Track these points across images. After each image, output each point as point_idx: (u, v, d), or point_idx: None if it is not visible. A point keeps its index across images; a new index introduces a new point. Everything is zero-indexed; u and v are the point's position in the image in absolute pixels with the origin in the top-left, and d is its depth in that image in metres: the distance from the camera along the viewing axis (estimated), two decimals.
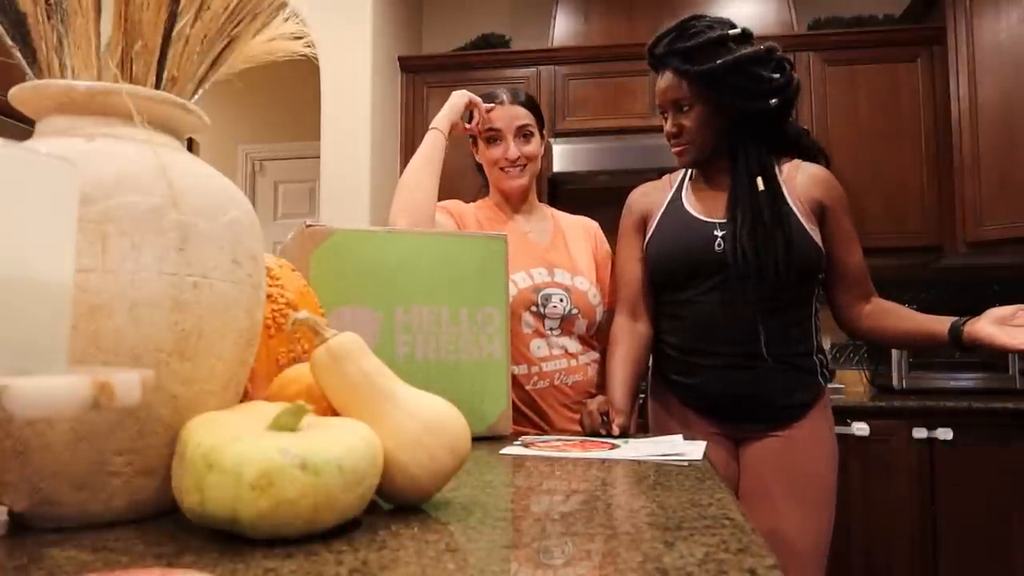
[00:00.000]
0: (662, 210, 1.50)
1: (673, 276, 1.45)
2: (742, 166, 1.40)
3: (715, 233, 1.41)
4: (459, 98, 1.50)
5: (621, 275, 1.53)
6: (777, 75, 1.37)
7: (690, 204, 1.47)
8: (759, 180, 1.38)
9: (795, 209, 1.40)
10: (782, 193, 1.40)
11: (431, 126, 1.49)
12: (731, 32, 1.37)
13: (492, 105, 1.52)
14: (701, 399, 1.44)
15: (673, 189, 1.53)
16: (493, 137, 1.53)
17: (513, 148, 1.51)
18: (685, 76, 1.37)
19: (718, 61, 1.34)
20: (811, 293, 1.44)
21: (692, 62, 1.36)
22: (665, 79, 1.41)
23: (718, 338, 1.40)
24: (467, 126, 1.52)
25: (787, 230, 1.36)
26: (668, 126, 1.44)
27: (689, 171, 1.54)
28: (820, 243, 1.41)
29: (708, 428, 1.43)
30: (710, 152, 1.43)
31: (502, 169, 1.53)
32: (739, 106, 1.38)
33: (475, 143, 1.59)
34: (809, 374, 1.43)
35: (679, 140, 1.43)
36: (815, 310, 1.46)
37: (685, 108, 1.40)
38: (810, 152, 1.48)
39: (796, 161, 1.48)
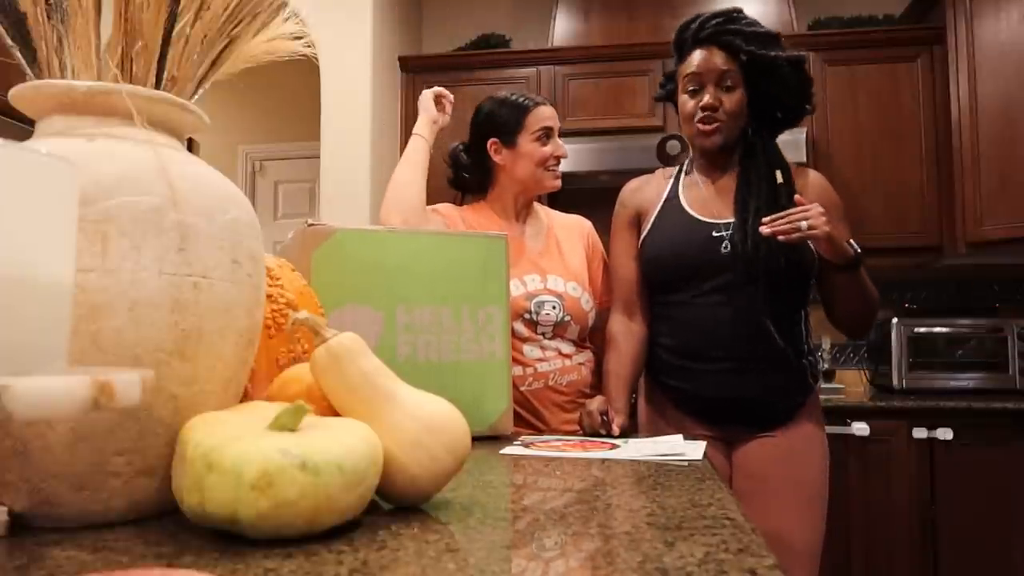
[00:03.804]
0: (658, 209, 1.49)
1: (670, 278, 1.44)
2: (761, 160, 1.41)
3: (715, 235, 1.40)
4: (427, 98, 1.57)
5: (616, 273, 1.52)
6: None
7: (688, 204, 1.46)
8: (778, 173, 1.39)
9: None
10: (794, 191, 1.39)
11: (414, 132, 1.56)
12: (779, 33, 1.44)
13: (444, 93, 1.58)
14: (695, 402, 1.44)
15: (669, 187, 1.50)
16: (546, 134, 1.51)
17: (562, 145, 1.53)
18: (738, 57, 1.38)
19: (783, 53, 1.38)
20: (804, 296, 1.45)
21: (757, 46, 1.37)
22: (714, 53, 1.39)
23: (714, 342, 1.40)
24: (442, 113, 1.57)
25: None
26: (706, 99, 1.39)
27: (685, 168, 1.53)
28: (815, 247, 1.41)
29: (701, 431, 1.43)
30: (732, 142, 1.43)
31: (547, 168, 1.51)
32: (785, 101, 1.42)
33: (497, 143, 1.52)
34: (801, 376, 1.43)
35: (714, 116, 1.40)
36: (807, 313, 1.46)
37: (729, 86, 1.40)
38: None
39: (794, 167, 1.48)
